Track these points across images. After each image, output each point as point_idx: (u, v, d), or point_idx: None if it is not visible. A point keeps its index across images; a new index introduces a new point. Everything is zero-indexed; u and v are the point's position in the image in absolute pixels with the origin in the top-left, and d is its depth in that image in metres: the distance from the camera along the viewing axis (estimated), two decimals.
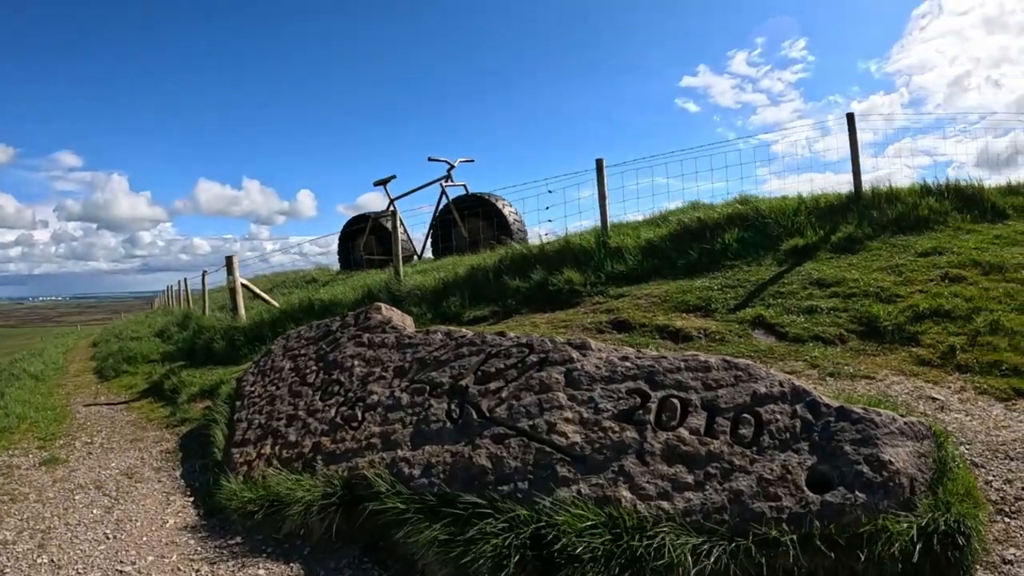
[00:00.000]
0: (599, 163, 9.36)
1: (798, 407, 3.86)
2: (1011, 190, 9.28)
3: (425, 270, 10.67)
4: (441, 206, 16.39)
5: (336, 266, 19.67)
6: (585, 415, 4.26)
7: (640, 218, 10.95)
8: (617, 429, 4.07)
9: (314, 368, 6.67)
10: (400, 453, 4.74)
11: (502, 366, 5.04)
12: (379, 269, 14.91)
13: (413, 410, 5.15)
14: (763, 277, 7.51)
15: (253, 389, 7.03)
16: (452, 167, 16.60)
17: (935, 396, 4.91)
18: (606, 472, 3.85)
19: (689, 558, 3.19)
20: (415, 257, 17.55)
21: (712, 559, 3.20)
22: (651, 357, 4.51)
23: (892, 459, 3.43)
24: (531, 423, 4.40)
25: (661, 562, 3.23)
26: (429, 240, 16.88)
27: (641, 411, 4.12)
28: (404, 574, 4.10)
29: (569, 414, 4.31)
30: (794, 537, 3.21)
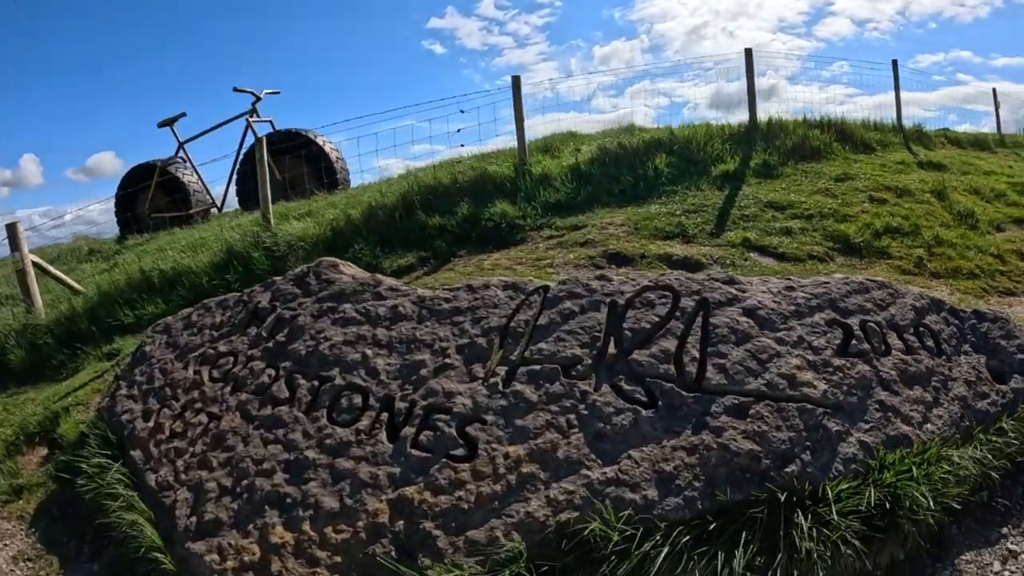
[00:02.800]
0: (515, 80, 8.43)
1: (945, 315, 4.14)
2: (869, 127, 10.57)
3: (286, 215, 8.48)
4: (247, 146, 13.82)
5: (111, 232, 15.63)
6: (810, 358, 3.58)
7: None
8: (848, 366, 3.58)
9: (268, 371, 4.31)
10: (597, 473, 3.16)
11: (655, 319, 3.73)
12: (173, 229, 12.40)
13: (559, 407, 3.47)
14: (715, 202, 7.23)
15: (152, 426, 4.41)
16: (258, 99, 13.72)
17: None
18: (867, 412, 3.43)
19: (972, 464, 3.34)
20: (213, 210, 14.56)
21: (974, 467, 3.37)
22: (812, 285, 4.03)
23: None
24: (765, 381, 3.43)
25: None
26: (232, 188, 14.09)
27: (856, 340, 3.74)
28: None
29: (795, 360, 3.54)
30: (1011, 424, 3.63)
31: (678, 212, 7.01)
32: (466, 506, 3.15)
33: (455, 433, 3.47)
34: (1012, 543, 3.24)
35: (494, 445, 3.36)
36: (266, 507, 3.47)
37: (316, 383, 4.01)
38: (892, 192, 7.84)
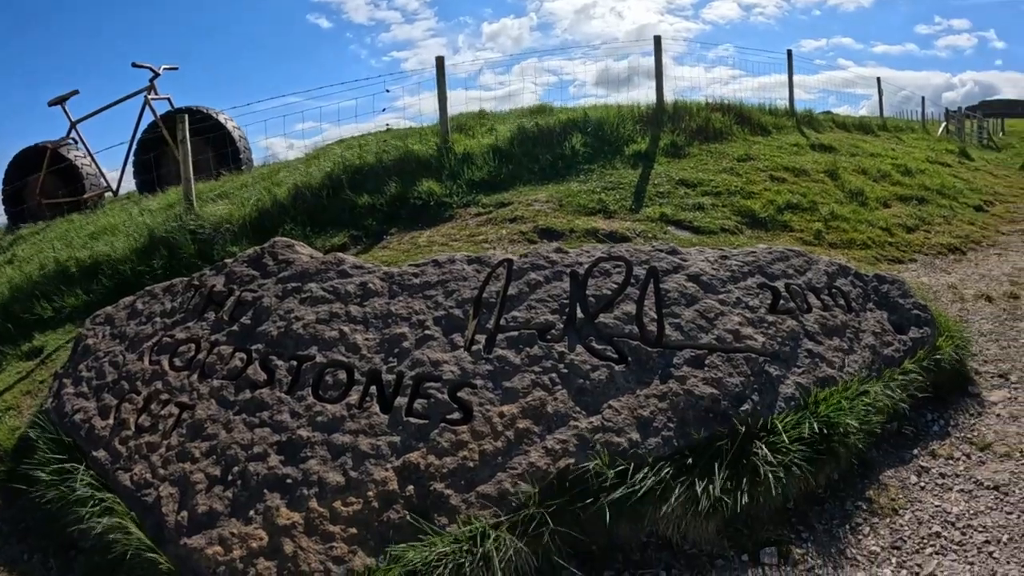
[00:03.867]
0: (439, 61, 8.56)
1: (852, 278, 4.82)
2: (765, 111, 11.62)
3: (202, 197, 8.08)
4: (144, 125, 13.06)
5: None
6: (748, 316, 4.14)
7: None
8: (780, 321, 4.16)
9: (239, 355, 4.30)
10: (585, 423, 3.50)
11: (614, 286, 4.13)
12: (68, 216, 11.47)
13: (540, 368, 3.77)
14: (631, 180, 7.62)
15: (113, 423, 4.27)
16: (157, 75, 12.81)
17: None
18: (798, 359, 4.00)
19: (885, 398, 4.02)
20: (108, 195, 13.52)
21: (887, 400, 4.05)
22: (741, 254, 4.62)
23: (925, 303, 4.82)
24: (715, 336, 3.95)
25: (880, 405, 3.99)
26: (129, 170, 13.06)
27: (783, 300, 4.33)
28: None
29: (736, 318, 4.09)
30: (913, 364, 4.32)
31: (598, 189, 7.35)
32: (471, 464, 3.34)
33: (448, 398, 3.65)
34: (923, 461, 3.90)
35: (487, 406, 3.57)
36: (265, 491, 3.50)
37: (295, 363, 4.05)
38: (790, 172, 8.63)
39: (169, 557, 3.47)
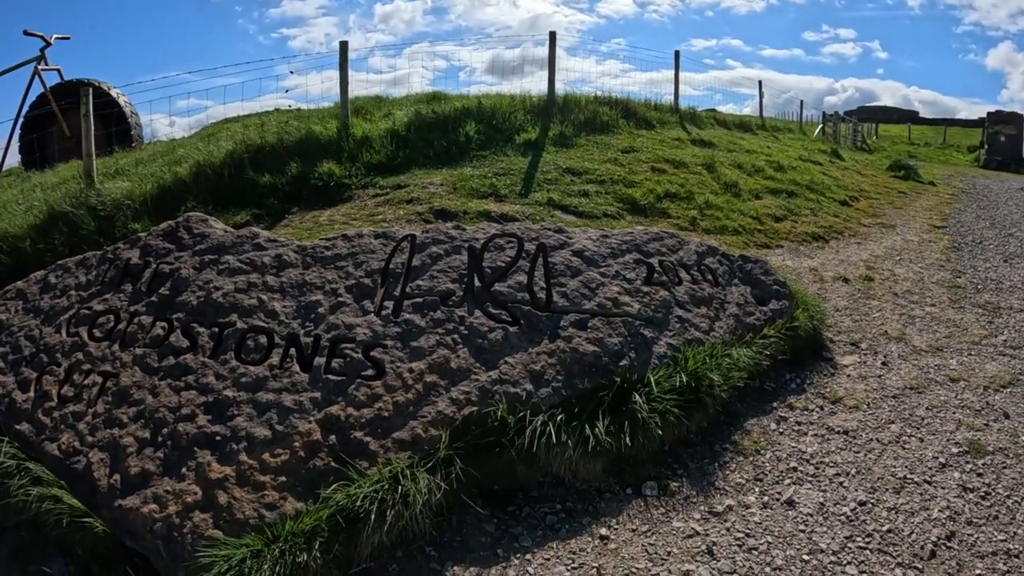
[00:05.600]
0: (343, 45, 8.86)
1: (719, 258, 5.51)
2: (651, 107, 12.57)
3: (99, 173, 7.89)
4: (32, 97, 12.44)
5: None
6: (626, 286, 4.76)
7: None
8: (653, 292, 4.80)
9: (160, 324, 4.53)
10: (484, 377, 4.01)
11: (507, 259, 4.69)
12: None
13: (443, 330, 4.25)
14: (520, 167, 8.21)
15: (34, 395, 4.40)
16: (48, 44, 12.08)
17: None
18: (669, 324, 4.66)
19: (747, 359, 4.70)
20: None
21: (749, 360, 4.71)
22: (621, 234, 5.25)
23: (784, 280, 5.54)
24: (596, 303, 4.56)
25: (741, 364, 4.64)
26: (15, 145, 12.31)
27: (657, 274, 4.97)
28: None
29: (615, 288, 4.71)
30: (773, 331, 5.03)
31: (489, 175, 7.87)
32: (386, 414, 3.78)
33: (362, 357, 4.06)
34: (782, 412, 4.63)
35: (398, 364, 4.01)
36: (195, 448, 3.76)
37: (216, 329, 4.34)
38: (670, 164, 9.44)
39: (104, 520, 3.66)
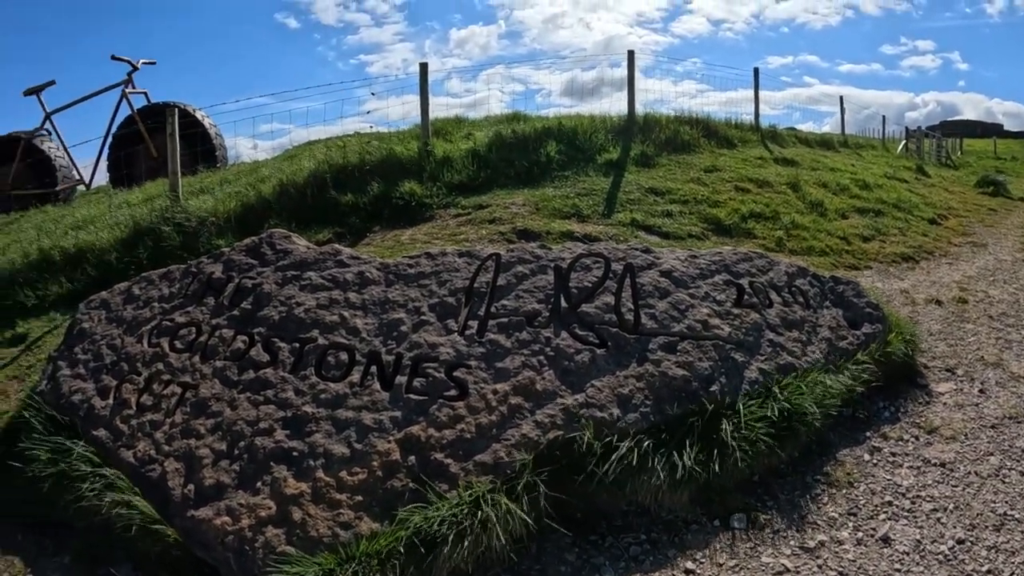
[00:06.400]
0: (423, 67, 8.97)
1: (810, 279, 5.28)
2: (731, 125, 12.20)
3: (188, 191, 8.24)
4: (120, 119, 13.10)
5: None
6: (716, 308, 4.59)
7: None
8: (744, 314, 4.62)
9: (241, 338, 4.56)
10: (570, 400, 3.88)
11: (594, 279, 4.56)
12: (43, 207, 11.50)
13: (529, 351, 4.14)
14: (603, 187, 8.08)
15: (113, 402, 4.47)
16: (135, 69, 12.86)
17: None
18: (761, 348, 4.46)
19: (840, 385, 4.45)
20: (80, 187, 13.43)
21: (842, 387, 4.46)
22: (709, 254, 5.08)
23: (878, 303, 5.29)
24: (686, 325, 4.40)
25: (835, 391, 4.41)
26: (104, 163, 13.19)
27: (747, 296, 4.79)
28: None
29: (705, 310, 4.53)
30: (866, 356, 4.77)
31: (572, 195, 7.76)
32: (469, 436, 3.70)
33: (445, 377, 4.01)
34: (875, 442, 4.38)
35: (482, 384, 3.95)
36: (272, 463, 3.77)
37: (297, 345, 4.36)
38: (754, 183, 9.15)
39: (175, 529, 3.70)
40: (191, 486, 3.82)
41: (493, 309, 4.40)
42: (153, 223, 7.19)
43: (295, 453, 3.79)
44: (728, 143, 11.18)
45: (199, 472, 3.86)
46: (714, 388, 4.07)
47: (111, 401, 4.51)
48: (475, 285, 4.55)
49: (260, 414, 4.04)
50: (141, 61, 13.42)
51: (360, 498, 3.56)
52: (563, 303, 4.43)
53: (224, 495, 3.72)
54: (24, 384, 5.55)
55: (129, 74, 13.17)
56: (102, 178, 13.64)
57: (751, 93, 13.99)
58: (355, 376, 4.11)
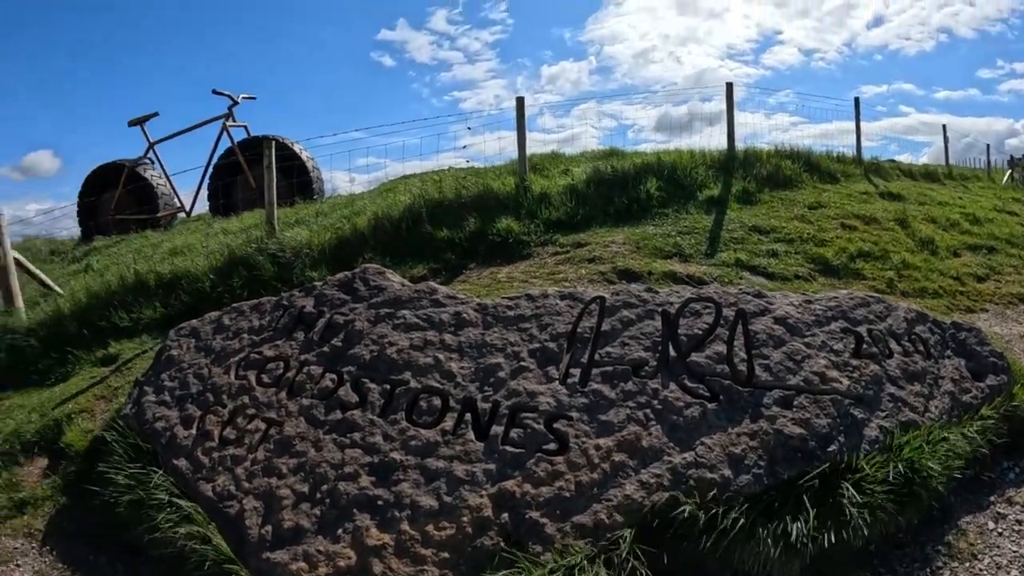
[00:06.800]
0: (520, 101, 8.83)
1: (930, 325, 4.93)
2: (833, 159, 11.63)
3: (279, 222, 8.28)
4: (221, 150, 13.83)
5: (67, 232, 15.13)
6: (833, 359, 4.23)
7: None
8: (863, 365, 4.25)
9: (329, 376, 4.40)
10: (678, 459, 3.59)
11: (704, 326, 4.26)
12: (144, 232, 12.20)
13: (635, 403, 3.87)
14: (705, 225, 7.74)
15: (196, 433, 4.40)
16: (235, 103, 13.64)
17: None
18: (881, 403, 4.10)
19: (965, 444, 4.07)
20: (181, 215, 14.18)
21: (966, 446, 4.09)
22: (825, 299, 4.72)
23: (1001, 351, 4.93)
24: (802, 378, 4.05)
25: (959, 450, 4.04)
26: (204, 192, 13.88)
27: (866, 345, 4.41)
28: None
29: (822, 361, 4.18)
30: (990, 411, 4.38)
31: (673, 233, 7.46)
32: (567, 494, 3.44)
33: (544, 429, 3.75)
34: (1000, 508, 4.03)
35: (583, 439, 3.68)
36: (355, 511, 3.60)
37: (388, 387, 4.19)
38: (860, 220, 8.64)
39: (250, 570, 3.57)
40: (269, 527, 3.70)
41: (597, 356, 4.14)
42: (248, 253, 7.24)
43: (380, 502, 3.62)
44: (831, 177, 10.66)
45: (278, 513, 3.73)
46: (832, 448, 3.71)
47: (194, 431, 4.46)
48: (578, 330, 4.30)
49: (345, 457, 3.88)
50: (241, 96, 14.05)
51: (446, 555, 3.35)
52: (671, 351, 4.14)
53: (302, 539, 3.58)
54: (111, 404, 5.62)
55: (230, 108, 13.81)
56: (202, 206, 14.26)
57: (847, 124, 13.42)
58: (448, 423, 3.91)
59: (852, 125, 13.38)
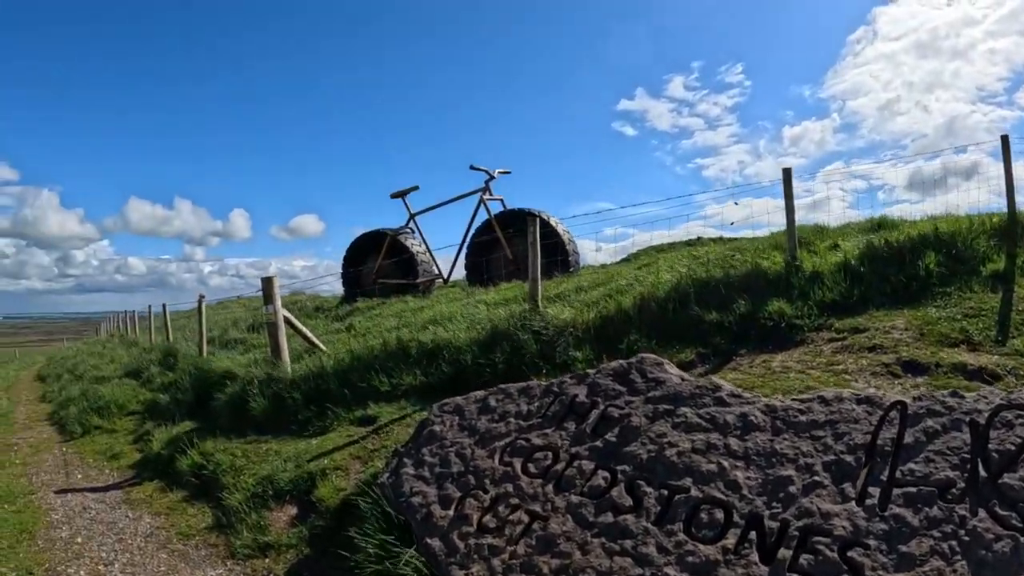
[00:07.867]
0: (787, 172, 8.61)
1: None
2: None
3: (544, 297, 8.73)
4: (479, 223, 15.16)
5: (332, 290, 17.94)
6: None
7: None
8: None
9: (602, 474, 4.29)
10: None
11: (1018, 440, 3.59)
12: (404, 297, 13.88)
13: (940, 532, 3.37)
14: (992, 305, 6.92)
15: (453, 515, 4.43)
16: (492, 178, 15.02)
17: None
18: None
19: None
20: (439, 281, 15.72)
21: None
22: None
23: None
24: None
25: None
26: (460, 263, 15.35)
27: None
28: None
29: None
30: None
31: (958, 316, 6.78)
32: None
33: (838, 557, 3.44)
34: None
35: (880, 572, 3.33)
36: None
37: (665, 492, 4.05)
38: None
39: None
40: None
41: (898, 474, 3.75)
42: (511, 329, 7.59)
43: None
44: None
45: None
46: None
47: (451, 513, 4.54)
48: (877, 442, 3.94)
49: (614, 566, 3.78)
50: (497, 171, 14.96)
51: None
52: (981, 471, 3.62)
53: None
54: (365, 467, 6.00)
55: (487, 182, 14.76)
56: (458, 274, 15.16)
57: None
58: (730, 540, 3.70)
59: None
